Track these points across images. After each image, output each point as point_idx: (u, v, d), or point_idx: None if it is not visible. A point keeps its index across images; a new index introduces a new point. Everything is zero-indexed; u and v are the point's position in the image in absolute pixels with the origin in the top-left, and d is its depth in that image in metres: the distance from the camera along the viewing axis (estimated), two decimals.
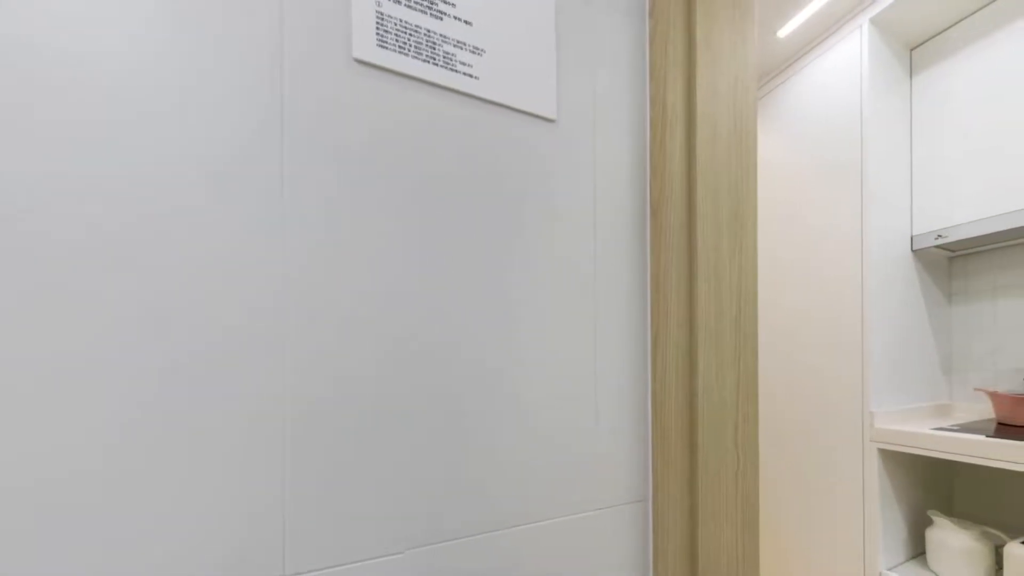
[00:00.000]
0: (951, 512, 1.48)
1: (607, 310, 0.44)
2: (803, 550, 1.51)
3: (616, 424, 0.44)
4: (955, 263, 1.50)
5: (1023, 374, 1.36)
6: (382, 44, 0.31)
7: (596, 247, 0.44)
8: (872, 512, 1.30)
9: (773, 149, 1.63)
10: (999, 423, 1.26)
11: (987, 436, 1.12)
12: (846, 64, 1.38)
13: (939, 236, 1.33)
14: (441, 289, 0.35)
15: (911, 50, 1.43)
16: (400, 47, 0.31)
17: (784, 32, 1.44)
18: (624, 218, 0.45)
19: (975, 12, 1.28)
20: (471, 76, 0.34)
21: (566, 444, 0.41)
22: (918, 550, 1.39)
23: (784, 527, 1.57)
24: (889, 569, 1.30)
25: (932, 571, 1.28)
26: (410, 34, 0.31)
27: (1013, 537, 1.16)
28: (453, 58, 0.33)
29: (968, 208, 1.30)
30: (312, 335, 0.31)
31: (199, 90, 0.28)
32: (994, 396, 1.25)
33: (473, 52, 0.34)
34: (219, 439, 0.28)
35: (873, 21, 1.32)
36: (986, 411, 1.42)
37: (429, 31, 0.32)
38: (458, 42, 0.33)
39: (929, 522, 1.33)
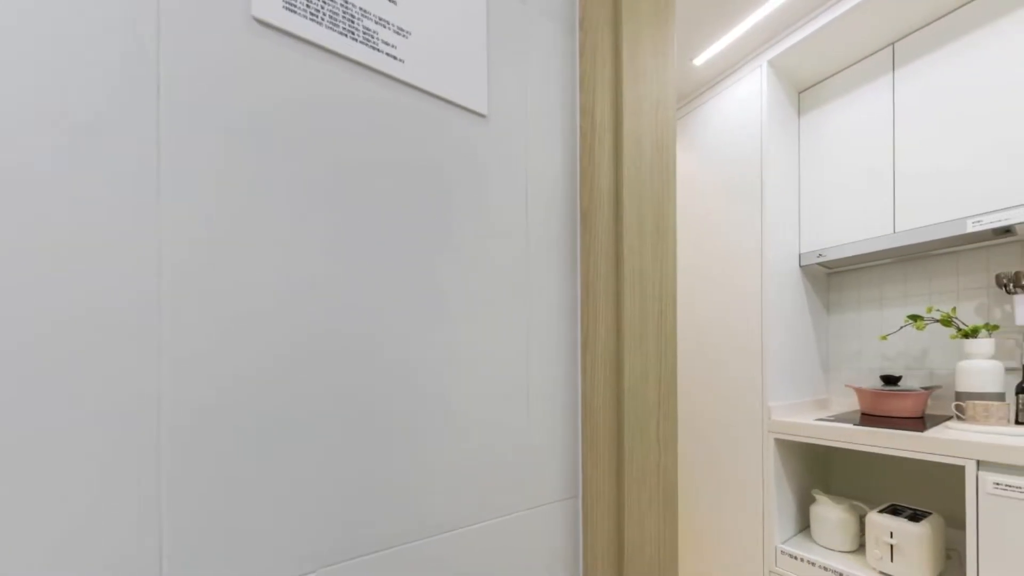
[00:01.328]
0: (829, 490, 1.68)
1: (540, 311, 0.43)
2: (714, 530, 1.62)
3: (548, 423, 0.44)
4: (832, 278, 1.72)
5: (877, 373, 1.58)
6: (289, 7, 0.26)
7: (529, 248, 0.43)
8: (769, 494, 1.43)
9: (688, 167, 1.73)
10: (863, 413, 1.44)
11: (854, 425, 1.28)
12: (749, 97, 1.51)
13: (820, 255, 1.52)
14: (360, 281, 0.31)
15: (799, 93, 1.62)
16: (312, 14, 0.27)
17: (699, 60, 1.54)
18: (556, 222, 0.45)
19: (845, 68, 1.48)
20: (395, 58, 0.31)
21: (498, 445, 0.40)
22: (804, 524, 1.54)
23: (698, 510, 1.67)
24: (782, 543, 1.43)
25: (815, 541, 1.43)
26: (324, 1, 0.28)
27: (873, 507, 1.33)
28: (375, 35, 0.30)
29: (840, 233, 1.49)
30: (196, 330, 0.26)
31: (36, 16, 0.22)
32: (859, 391, 1.44)
33: (397, 32, 0.31)
34: (64, 449, 0.22)
35: (770, 63, 1.47)
36: (854, 404, 1.63)
37: (346, 1, 0.28)
38: (380, 19, 0.30)
39: (812, 500, 1.49)
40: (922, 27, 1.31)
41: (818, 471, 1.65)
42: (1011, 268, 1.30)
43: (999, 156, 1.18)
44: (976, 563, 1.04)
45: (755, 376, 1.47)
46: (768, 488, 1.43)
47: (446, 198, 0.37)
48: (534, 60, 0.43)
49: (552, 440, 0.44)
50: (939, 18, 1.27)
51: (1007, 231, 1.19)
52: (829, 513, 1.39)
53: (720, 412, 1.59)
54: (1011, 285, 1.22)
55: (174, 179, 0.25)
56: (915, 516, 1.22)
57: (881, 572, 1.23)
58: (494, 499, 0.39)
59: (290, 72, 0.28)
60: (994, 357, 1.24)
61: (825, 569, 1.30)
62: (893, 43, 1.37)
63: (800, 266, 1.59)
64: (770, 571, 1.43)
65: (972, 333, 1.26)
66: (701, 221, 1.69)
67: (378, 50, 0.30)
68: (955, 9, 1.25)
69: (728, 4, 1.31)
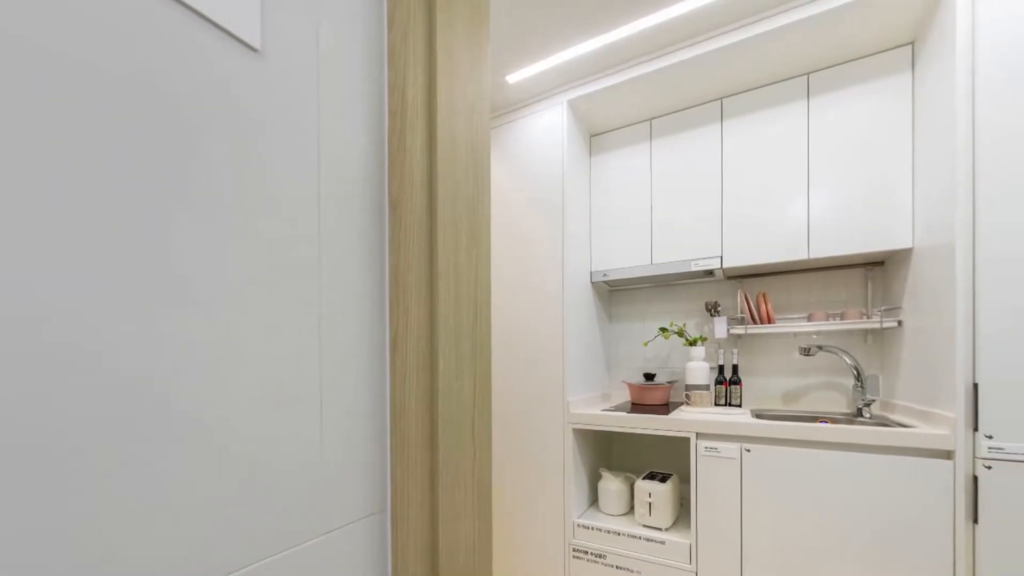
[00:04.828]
0: (611, 467, 2.02)
1: (336, 303, 0.37)
2: (521, 514, 1.73)
3: (347, 432, 0.37)
4: (612, 295, 2.12)
5: (641, 371, 2.02)
6: None
7: (321, 227, 0.36)
8: (569, 477, 1.63)
9: (500, 177, 1.85)
10: (632, 403, 1.81)
11: (626, 412, 1.59)
12: (553, 127, 1.72)
13: (604, 275, 1.86)
14: (16, 237, 0.20)
15: (592, 136, 1.96)
16: None
17: (512, 79, 1.62)
18: (358, 204, 0.39)
19: (620, 128, 1.87)
20: None
21: (279, 464, 0.31)
22: (594, 498, 1.81)
23: (508, 495, 1.77)
24: (578, 517, 1.64)
25: (602, 511, 1.69)
26: None
27: (638, 476, 1.66)
28: None
29: (618, 258, 1.86)
30: None
31: None
32: (629, 386, 1.80)
33: None
34: None
35: (570, 103, 1.71)
36: (626, 396, 2.02)
37: None
38: None
39: (599, 476, 1.76)
40: (668, 114, 1.77)
41: (603, 452, 1.97)
42: (713, 299, 1.88)
43: (704, 220, 1.69)
44: (696, 505, 1.42)
45: (557, 374, 1.67)
46: (568, 472, 1.63)
47: (192, 143, 0.27)
48: (329, 13, 0.37)
49: (352, 451, 0.38)
50: (680, 110, 1.75)
51: (710, 273, 1.71)
52: (610, 486, 1.67)
53: (527, 407, 1.74)
54: (712, 310, 1.78)
55: None
56: (663, 478, 1.58)
57: (644, 525, 1.54)
58: (274, 532, 0.31)
59: None
60: (704, 360, 1.74)
61: (608, 532, 1.54)
62: (651, 119, 1.81)
63: (591, 282, 1.91)
64: (569, 543, 1.62)
65: (693, 343, 1.74)
66: (511, 230, 1.81)
67: None
68: (689, 107, 1.75)
69: (539, 35, 1.43)
